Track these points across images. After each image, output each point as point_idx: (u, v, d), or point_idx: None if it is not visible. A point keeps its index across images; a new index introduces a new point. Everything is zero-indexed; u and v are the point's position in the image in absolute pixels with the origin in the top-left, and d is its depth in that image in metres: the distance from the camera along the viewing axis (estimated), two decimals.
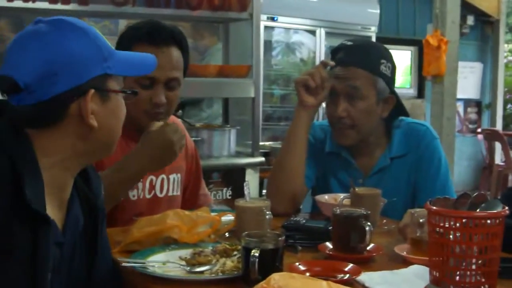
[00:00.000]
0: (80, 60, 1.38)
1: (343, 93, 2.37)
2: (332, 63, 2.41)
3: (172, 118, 2.42)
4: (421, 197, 2.34)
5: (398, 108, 2.47)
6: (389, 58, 2.43)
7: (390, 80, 2.42)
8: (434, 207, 1.44)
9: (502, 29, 9.59)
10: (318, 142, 2.55)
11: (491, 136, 8.59)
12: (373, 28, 6.67)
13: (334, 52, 2.47)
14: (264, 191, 3.49)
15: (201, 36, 5.85)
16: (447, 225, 1.41)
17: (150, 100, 2.17)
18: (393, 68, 2.44)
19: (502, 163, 8.51)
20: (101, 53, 1.41)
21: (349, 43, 2.46)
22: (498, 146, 8.74)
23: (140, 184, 2.24)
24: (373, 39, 6.65)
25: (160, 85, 2.18)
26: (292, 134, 2.42)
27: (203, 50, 5.85)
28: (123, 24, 5.41)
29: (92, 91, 1.39)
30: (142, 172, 2.07)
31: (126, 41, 2.21)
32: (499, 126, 9.53)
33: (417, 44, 8.36)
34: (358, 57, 2.38)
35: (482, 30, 9.58)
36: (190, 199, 2.48)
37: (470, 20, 8.96)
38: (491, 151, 8.79)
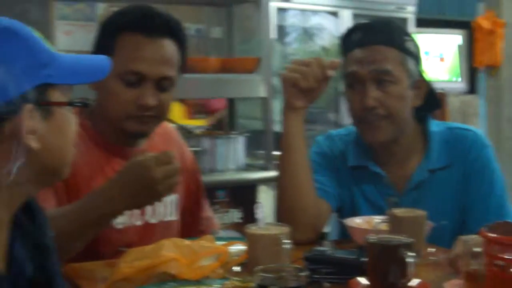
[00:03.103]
0: (8, 70, 1.33)
1: (370, 78, 2.39)
2: (337, 61, 2.42)
3: (165, 124, 2.44)
4: (472, 221, 2.36)
5: (429, 96, 2.50)
6: (411, 36, 2.48)
7: (418, 60, 2.47)
8: (492, 234, 1.45)
9: None
10: (339, 155, 2.57)
11: None
12: (411, 8, 6.67)
13: (347, 35, 2.50)
14: None
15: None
16: (509, 257, 1.42)
17: (135, 101, 2.18)
18: (418, 48, 2.49)
19: None
20: (37, 59, 1.38)
21: (365, 21, 2.51)
22: None
23: None
24: (411, 22, 6.66)
25: (149, 84, 2.19)
26: (287, 144, 2.42)
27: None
28: (101, 8, 5.45)
29: (29, 106, 1.35)
30: (114, 212, 2.00)
31: (109, 29, 2.23)
32: None
33: (466, 27, 8.36)
34: (381, 34, 2.42)
35: None
36: (190, 225, 2.49)
37: None
38: None
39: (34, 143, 1.38)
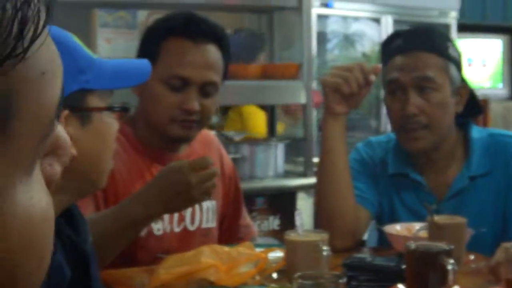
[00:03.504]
0: None
1: (412, 85, 2.37)
2: (379, 66, 2.41)
3: (205, 131, 2.45)
4: None
5: (471, 102, 2.47)
6: (453, 42, 2.47)
7: (459, 66, 2.45)
8: None
9: None
10: (378, 163, 2.56)
11: None
12: (453, 13, 6.63)
13: (388, 42, 2.50)
14: None
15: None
16: None
17: (179, 106, 2.20)
18: (460, 53, 2.47)
19: None
20: (76, 64, 1.39)
21: (406, 28, 2.51)
22: None
23: (166, 216, 2.25)
24: (454, 28, 6.62)
25: (194, 89, 2.20)
26: (328, 150, 2.42)
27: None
28: (142, 15, 5.48)
29: (66, 112, 1.36)
30: (148, 217, 2.02)
31: (155, 34, 2.26)
32: None
33: (509, 32, 8.30)
34: (423, 40, 2.41)
35: None
36: (228, 232, 2.50)
37: None
38: None
39: (72, 150, 1.38)
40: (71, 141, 1.34)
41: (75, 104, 1.40)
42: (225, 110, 4.93)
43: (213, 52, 2.24)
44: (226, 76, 2.32)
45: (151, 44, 2.25)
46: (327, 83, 2.39)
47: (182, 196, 1.99)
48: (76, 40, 1.44)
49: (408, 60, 2.39)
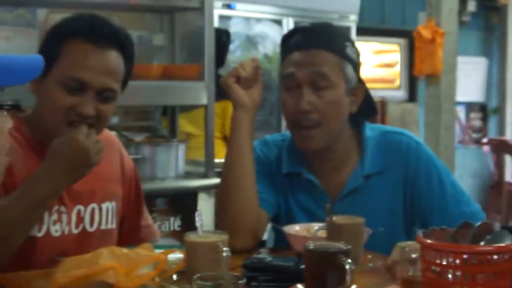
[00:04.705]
0: None
1: (306, 81, 2.39)
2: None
3: (106, 132, 2.41)
4: (437, 222, 2.34)
5: (366, 103, 2.51)
6: (353, 42, 2.49)
7: (357, 66, 2.47)
8: (428, 240, 1.46)
9: (511, 16, 9.72)
10: (274, 161, 2.56)
11: (499, 147, 8.69)
12: (353, 17, 6.73)
13: (287, 37, 2.51)
14: None
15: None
16: (444, 262, 1.43)
17: (74, 108, 2.14)
18: (358, 54, 2.49)
19: None
20: None
21: (306, 24, 2.51)
22: (508, 159, 8.85)
23: (65, 217, 2.22)
24: (353, 31, 6.72)
25: (91, 93, 2.14)
26: (235, 145, 2.43)
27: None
28: (42, 13, 5.39)
29: None
30: (55, 191, 2.06)
31: (57, 35, 2.19)
32: (509, 135, 9.64)
33: (407, 36, 8.46)
34: (321, 38, 2.42)
35: (487, 18, 9.72)
36: (129, 233, 2.47)
37: (472, 6, 9.07)
38: (499, 166, 8.89)
39: None
40: None
41: None
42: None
43: (114, 58, 2.19)
44: (126, 83, 2.28)
45: (53, 44, 2.19)
46: (226, 75, 2.45)
47: (83, 162, 2.05)
48: None
49: (304, 56, 2.40)
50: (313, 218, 2.37)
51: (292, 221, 2.46)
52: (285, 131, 2.74)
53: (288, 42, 2.47)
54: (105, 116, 2.20)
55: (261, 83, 2.45)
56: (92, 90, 2.14)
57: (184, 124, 5.04)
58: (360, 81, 2.47)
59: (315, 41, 2.41)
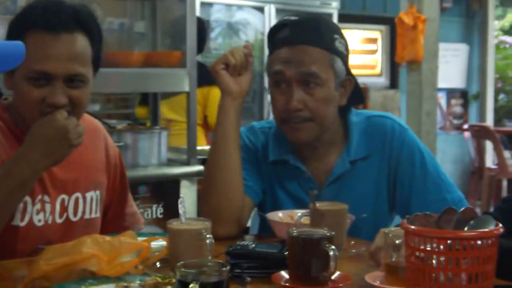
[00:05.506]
0: None
1: (296, 80, 2.36)
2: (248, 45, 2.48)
3: (87, 117, 2.39)
4: (415, 207, 2.33)
5: (354, 92, 2.49)
6: (341, 33, 2.47)
7: (346, 58, 2.45)
8: (412, 226, 1.46)
9: (492, 2, 9.75)
10: (260, 149, 2.56)
11: (480, 133, 8.72)
12: (335, 4, 6.74)
13: (274, 31, 2.47)
14: None
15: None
16: (428, 248, 1.42)
17: (45, 100, 2.10)
18: (347, 45, 2.48)
19: (494, 166, 8.65)
20: None
21: (293, 17, 2.45)
22: (489, 145, 8.89)
23: (48, 206, 2.21)
24: (335, 17, 6.72)
25: (58, 82, 2.09)
26: (221, 133, 2.42)
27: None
28: (23, 0, 5.35)
29: None
30: (35, 173, 2.05)
31: (17, 27, 2.14)
32: (489, 121, 9.69)
33: (389, 23, 8.48)
34: (310, 34, 2.38)
35: (467, 5, 9.76)
36: (113, 221, 2.46)
37: None
38: (480, 152, 8.92)
39: None
40: None
41: None
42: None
43: (77, 42, 2.13)
44: (98, 63, 2.22)
45: (16, 37, 2.13)
46: (215, 62, 2.43)
47: (63, 143, 2.05)
48: None
49: (293, 53, 2.37)
50: (300, 205, 2.36)
51: (278, 208, 2.45)
52: (267, 118, 2.73)
53: (276, 35, 2.43)
54: (80, 102, 2.14)
55: (251, 71, 2.44)
56: (58, 79, 2.09)
57: (165, 111, 5.02)
58: (349, 73, 2.46)
59: (304, 36, 2.37)
